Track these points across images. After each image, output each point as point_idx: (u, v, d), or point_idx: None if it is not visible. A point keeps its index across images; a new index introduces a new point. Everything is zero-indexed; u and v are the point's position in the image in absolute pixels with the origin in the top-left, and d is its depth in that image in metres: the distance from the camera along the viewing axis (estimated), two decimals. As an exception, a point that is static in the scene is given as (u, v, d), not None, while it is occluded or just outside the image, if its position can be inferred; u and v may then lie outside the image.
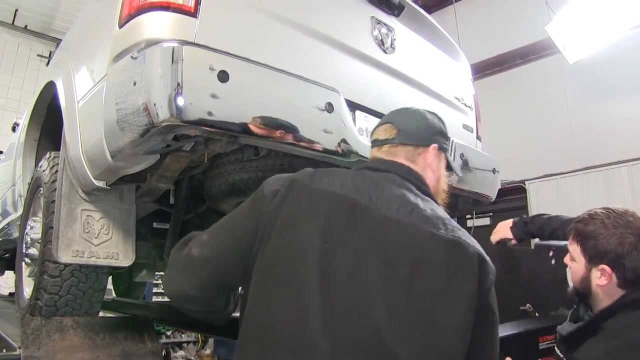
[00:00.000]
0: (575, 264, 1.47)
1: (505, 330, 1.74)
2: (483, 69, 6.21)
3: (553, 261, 1.88)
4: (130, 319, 2.14)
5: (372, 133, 1.37)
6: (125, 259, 1.82)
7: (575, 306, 1.57)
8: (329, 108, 1.63)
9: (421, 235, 1.06)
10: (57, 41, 7.61)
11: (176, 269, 1.21)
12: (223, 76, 1.36)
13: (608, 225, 1.39)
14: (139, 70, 1.36)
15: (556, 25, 4.58)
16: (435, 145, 1.31)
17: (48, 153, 2.09)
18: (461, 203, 2.65)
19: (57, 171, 1.88)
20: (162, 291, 8.40)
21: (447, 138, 1.37)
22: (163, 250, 2.40)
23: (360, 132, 1.83)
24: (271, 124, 1.46)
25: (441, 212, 1.16)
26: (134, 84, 1.35)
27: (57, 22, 8.05)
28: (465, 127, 2.73)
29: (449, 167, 1.37)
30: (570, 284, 1.54)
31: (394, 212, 1.09)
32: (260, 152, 1.84)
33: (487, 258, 1.09)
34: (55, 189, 1.81)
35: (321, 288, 1.00)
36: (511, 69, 6.15)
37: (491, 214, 5.62)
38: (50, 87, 2.24)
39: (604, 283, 1.38)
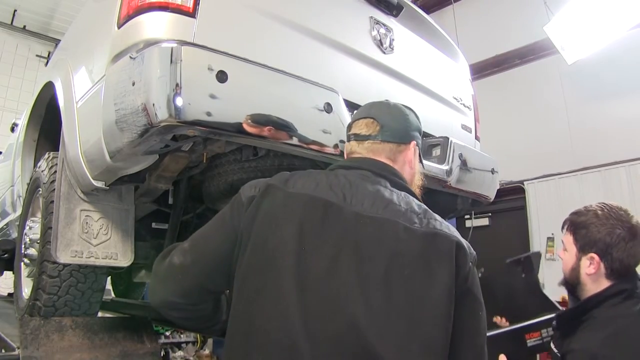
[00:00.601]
0: (566, 254, 1.55)
1: (492, 329, 1.77)
2: (482, 69, 6.21)
3: (523, 274, 1.96)
4: (129, 320, 2.14)
5: (351, 126, 1.37)
6: (124, 259, 1.82)
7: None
8: (328, 108, 1.64)
9: (395, 229, 1.07)
10: (56, 41, 7.60)
11: (158, 279, 1.23)
12: (222, 76, 1.36)
13: (600, 216, 1.48)
14: (137, 71, 1.36)
15: (555, 25, 4.58)
16: (414, 142, 1.34)
17: (47, 153, 2.08)
18: (460, 203, 2.65)
19: (56, 171, 1.88)
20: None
21: (421, 132, 1.40)
22: (162, 251, 2.40)
23: (358, 132, 1.83)
24: (270, 124, 1.47)
25: (416, 205, 1.16)
26: (133, 84, 1.35)
27: (56, 23, 8.04)
28: (464, 127, 2.74)
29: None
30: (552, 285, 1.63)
31: (368, 208, 1.11)
32: (259, 152, 1.84)
33: (465, 244, 1.10)
34: (54, 189, 1.81)
35: (298, 290, 1.02)
36: (510, 69, 6.16)
37: (490, 214, 5.63)
38: (49, 88, 2.24)
39: (592, 271, 1.46)
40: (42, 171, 2.02)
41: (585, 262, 1.48)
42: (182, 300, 1.19)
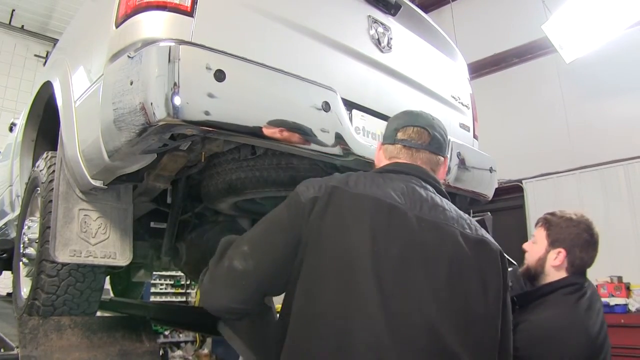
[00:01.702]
0: (536, 246, 1.80)
1: None
2: (480, 68, 6.22)
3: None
4: (128, 319, 2.14)
5: (401, 130, 1.41)
6: (122, 259, 1.82)
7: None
8: (326, 107, 1.64)
9: (453, 234, 1.18)
10: (54, 41, 7.58)
11: (219, 283, 1.25)
12: (220, 75, 1.36)
13: (573, 220, 1.75)
14: (135, 70, 1.36)
15: (553, 24, 4.58)
16: (447, 156, 1.46)
17: (45, 153, 2.08)
18: (458, 202, 2.65)
19: (54, 171, 1.88)
20: (160, 291, 8.43)
21: None
22: (161, 250, 2.40)
23: (357, 131, 1.84)
24: (268, 123, 1.47)
25: (461, 212, 1.28)
26: (131, 83, 1.35)
27: (54, 22, 8.04)
28: (462, 126, 2.73)
29: None
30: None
31: (427, 212, 1.20)
32: (257, 151, 1.84)
33: (504, 254, 1.26)
34: (53, 188, 1.81)
35: (379, 291, 1.06)
36: (508, 68, 6.17)
37: (488, 213, 5.62)
38: (47, 87, 2.24)
39: (557, 264, 1.72)
40: (41, 171, 2.02)
41: (552, 254, 1.73)
42: (242, 306, 1.23)
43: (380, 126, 2.05)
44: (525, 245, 1.86)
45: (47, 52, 7.63)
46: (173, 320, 3.84)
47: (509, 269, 1.81)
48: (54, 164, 1.91)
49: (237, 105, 1.42)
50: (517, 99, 5.91)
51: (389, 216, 1.15)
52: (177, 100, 1.30)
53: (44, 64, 6.92)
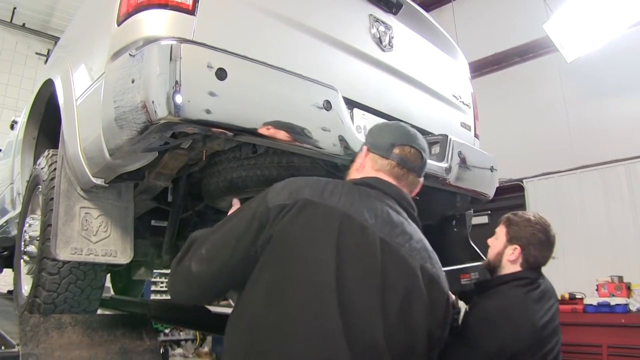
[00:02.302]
0: (496, 241, 1.98)
1: None
2: (481, 67, 6.21)
3: (455, 229, 2.37)
4: (129, 317, 2.14)
5: (399, 147, 1.41)
6: (123, 257, 1.83)
7: None
8: (327, 106, 1.64)
9: (413, 266, 1.21)
10: (55, 39, 7.59)
11: (179, 280, 1.31)
12: (221, 74, 1.36)
13: (532, 221, 1.92)
14: (137, 68, 1.36)
15: (554, 23, 4.57)
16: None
17: (46, 151, 2.08)
18: (459, 201, 2.65)
19: (55, 169, 1.88)
20: (161, 289, 8.44)
21: None
22: (161, 248, 2.40)
23: (358, 130, 1.83)
24: (269, 122, 1.47)
25: (426, 242, 1.32)
26: (132, 81, 1.35)
27: (55, 20, 8.04)
28: (463, 125, 2.73)
29: None
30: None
31: (394, 239, 1.22)
32: (258, 149, 1.84)
33: (450, 301, 1.32)
34: (54, 186, 1.81)
35: (339, 304, 1.09)
36: (509, 67, 6.16)
37: (489, 212, 5.63)
38: (48, 85, 2.24)
39: (512, 258, 1.90)
40: (42, 169, 2.02)
41: (509, 250, 1.91)
42: (201, 301, 1.34)
43: (381, 125, 2.06)
44: (489, 241, 2.04)
45: (49, 50, 7.65)
46: (173, 318, 3.84)
47: (479, 264, 2.07)
48: (55, 161, 1.91)
49: (238, 103, 1.42)
50: (518, 98, 5.91)
51: (357, 236, 1.17)
52: (179, 99, 1.30)
53: (45, 61, 6.93)
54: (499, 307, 1.77)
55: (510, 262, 1.90)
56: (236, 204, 1.64)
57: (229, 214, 1.55)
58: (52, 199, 1.80)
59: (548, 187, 5.53)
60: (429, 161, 2.12)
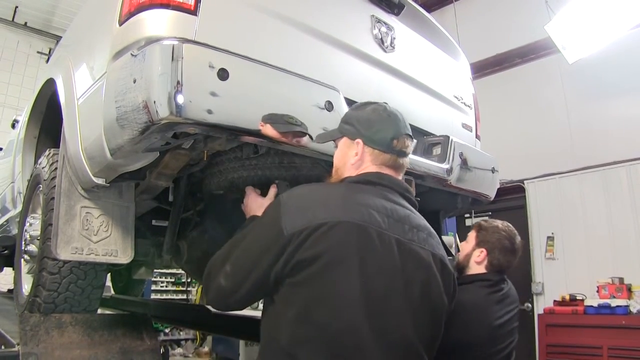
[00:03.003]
0: (466, 244, 2.14)
1: None
2: (482, 68, 6.20)
3: None
4: (129, 317, 2.14)
5: (398, 139, 1.41)
6: (124, 256, 1.83)
7: None
8: (329, 107, 1.64)
9: (426, 257, 1.31)
10: (57, 38, 7.58)
11: (214, 295, 1.34)
12: (223, 74, 1.36)
13: (499, 228, 2.09)
14: (138, 68, 1.36)
15: (556, 24, 4.56)
16: None
17: (47, 150, 2.08)
18: (460, 202, 2.65)
19: (56, 168, 1.88)
20: (161, 288, 8.44)
21: None
22: (162, 248, 2.40)
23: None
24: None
25: (427, 225, 1.40)
26: (134, 81, 1.35)
27: (57, 19, 8.03)
28: (465, 126, 2.73)
29: None
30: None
31: (406, 236, 1.29)
32: (259, 150, 1.84)
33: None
34: (55, 186, 1.81)
35: (366, 315, 1.17)
36: (510, 68, 6.14)
37: (490, 213, 5.62)
38: (49, 84, 2.24)
39: (479, 260, 2.06)
40: (43, 168, 2.02)
41: (477, 252, 2.07)
42: (243, 306, 1.33)
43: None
44: (462, 244, 2.21)
45: (50, 49, 7.64)
46: (173, 318, 3.84)
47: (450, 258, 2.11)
48: (56, 161, 1.92)
49: (240, 104, 1.42)
50: (519, 99, 5.90)
51: (376, 244, 1.22)
52: (180, 99, 1.30)
53: (47, 60, 6.93)
54: (462, 303, 1.85)
55: (477, 263, 2.07)
56: (250, 193, 1.69)
57: (245, 208, 1.68)
58: (53, 198, 1.80)
59: (549, 188, 5.52)
60: (430, 162, 2.15)
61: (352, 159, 1.42)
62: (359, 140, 1.41)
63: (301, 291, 1.19)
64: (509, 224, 2.15)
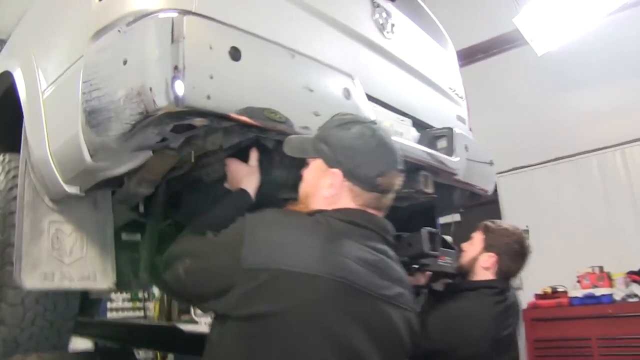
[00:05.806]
0: (471, 247, 2.02)
1: None
2: (448, 64, 6.18)
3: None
4: (109, 354, 1.84)
5: (385, 176, 1.21)
6: (104, 280, 1.53)
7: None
8: (347, 95, 1.44)
9: (396, 319, 1.17)
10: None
11: (168, 284, 1.29)
12: (235, 53, 1.12)
13: (509, 232, 1.99)
14: (128, 48, 1.11)
15: (524, 17, 4.57)
16: None
17: (1, 155, 1.76)
18: (457, 198, 2.51)
19: (15, 176, 1.58)
20: (117, 307, 7.91)
21: None
22: (137, 267, 2.11)
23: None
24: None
25: (402, 274, 1.27)
26: (124, 63, 1.09)
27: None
28: (459, 118, 2.64)
29: None
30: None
31: (386, 293, 1.16)
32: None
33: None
34: (15, 197, 1.50)
35: None
36: (477, 62, 6.14)
37: (461, 210, 5.58)
38: (4, 78, 1.87)
39: (487, 265, 1.95)
40: (-3, 177, 1.69)
41: (484, 256, 1.96)
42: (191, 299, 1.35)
43: (388, 118, 1.89)
44: (464, 245, 2.08)
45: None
46: (131, 339, 3.49)
47: (453, 251, 2.13)
48: (15, 167, 1.61)
49: (251, 90, 1.19)
50: (487, 93, 5.87)
51: (349, 304, 1.09)
52: (182, 84, 1.06)
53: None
54: (465, 312, 1.86)
55: (484, 268, 1.95)
56: (232, 163, 1.48)
57: (231, 182, 1.49)
58: (12, 212, 1.50)
59: (520, 182, 5.53)
60: (438, 154, 1.99)
61: (325, 190, 1.22)
62: (337, 170, 1.20)
63: (253, 341, 1.07)
64: (518, 228, 2.06)
